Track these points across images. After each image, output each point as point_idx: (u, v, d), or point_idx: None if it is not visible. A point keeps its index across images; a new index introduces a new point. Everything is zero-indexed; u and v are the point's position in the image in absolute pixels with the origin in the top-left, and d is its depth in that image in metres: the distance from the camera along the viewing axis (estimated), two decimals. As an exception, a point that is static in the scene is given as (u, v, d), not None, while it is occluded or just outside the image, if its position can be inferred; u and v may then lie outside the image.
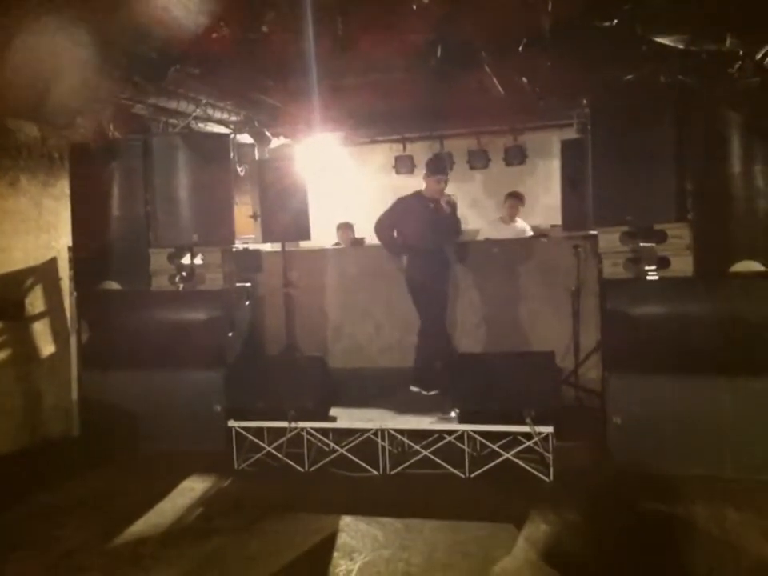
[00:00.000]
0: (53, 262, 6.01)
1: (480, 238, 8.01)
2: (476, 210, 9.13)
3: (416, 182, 9.87)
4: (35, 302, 5.84)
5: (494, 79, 6.06)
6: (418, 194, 5.91)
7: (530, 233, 7.93)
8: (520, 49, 5.31)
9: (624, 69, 5.70)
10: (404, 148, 9.85)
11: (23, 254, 5.72)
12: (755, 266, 4.70)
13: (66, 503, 4.56)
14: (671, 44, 5.18)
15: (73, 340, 5.93)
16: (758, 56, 5.17)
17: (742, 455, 4.50)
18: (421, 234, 5.77)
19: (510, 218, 7.88)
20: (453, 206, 5.82)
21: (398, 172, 9.89)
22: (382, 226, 5.93)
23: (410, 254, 5.91)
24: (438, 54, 5.24)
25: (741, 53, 5.31)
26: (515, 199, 7.93)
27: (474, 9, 4.78)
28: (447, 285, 6.04)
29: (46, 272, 5.93)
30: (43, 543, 3.99)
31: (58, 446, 5.69)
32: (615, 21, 4.97)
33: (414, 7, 4.50)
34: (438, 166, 5.91)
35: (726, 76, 5.49)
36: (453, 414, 4.84)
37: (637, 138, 4.91)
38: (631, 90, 5.82)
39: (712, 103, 4.86)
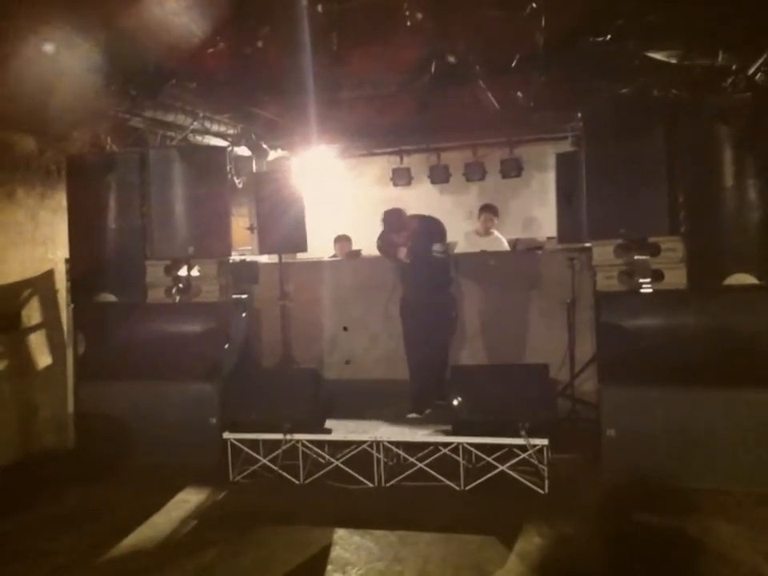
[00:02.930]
0: (49, 274, 6.04)
1: (456, 251, 8.04)
2: (472, 222, 9.13)
3: (413, 194, 10.01)
4: (31, 313, 5.87)
5: (489, 94, 6.10)
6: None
7: (506, 245, 7.93)
8: (514, 64, 5.35)
9: (617, 83, 5.75)
10: (401, 160, 9.88)
11: (19, 266, 5.75)
12: (748, 279, 4.71)
13: (60, 516, 4.56)
14: (664, 59, 5.24)
15: (69, 352, 5.95)
16: (750, 71, 5.23)
17: (736, 468, 4.51)
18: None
19: (485, 231, 7.84)
20: (427, 241, 5.47)
21: (395, 184, 9.92)
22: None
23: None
24: (433, 69, 5.28)
25: (733, 67, 5.37)
26: (489, 212, 7.87)
27: (468, 25, 4.83)
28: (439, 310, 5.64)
29: (42, 284, 5.96)
30: (35, 556, 3.98)
31: (52, 458, 5.70)
32: (608, 36, 5.03)
33: (409, 23, 4.54)
34: (387, 226, 5.56)
35: (719, 90, 5.54)
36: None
37: (630, 152, 4.93)
38: (624, 103, 5.86)
39: (705, 117, 4.88)
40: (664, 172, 4.90)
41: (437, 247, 5.49)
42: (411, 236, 5.47)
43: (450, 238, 8.79)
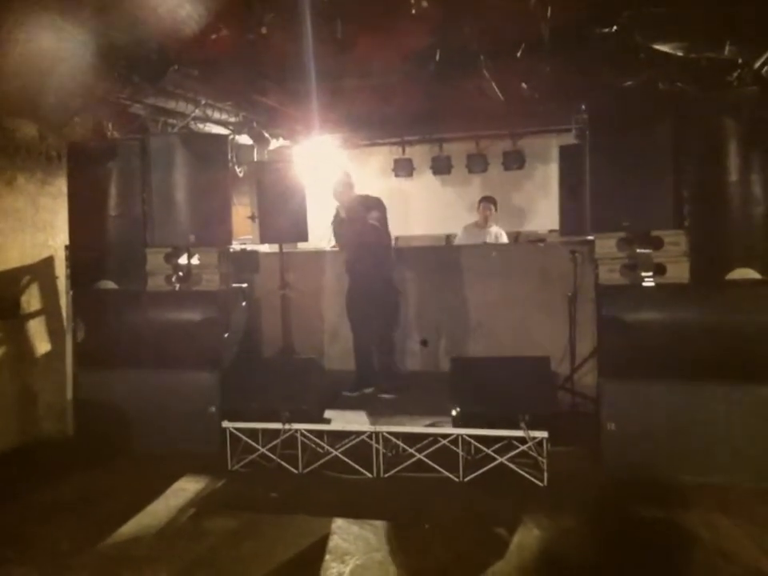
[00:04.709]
0: (49, 260, 6.02)
1: (455, 243, 8.06)
2: (474, 214, 9.12)
3: (415, 185, 9.99)
4: (31, 300, 5.85)
5: (493, 84, 6.06)
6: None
7: (505, 238, 7.94)
8: (519, 54, 5.31)
9: (623, 75, 5.71)
10: (403, 151, 9.87)
11: (19, 253, 5.73)
12: (751, 274, 4.69)
13: (59, 503, 4.55)
14: (670, 51, 5.20)
15: (68, 339, 5.93)
16: (757, 64, 5.18)
17: (736, 463, 4.50)
18: (345, 245, 6.17)
19: (485, 222, 7.86)
20: (364, 208, 5.89)
21: (396, 175, 9.91)
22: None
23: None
24: (437, 58, 5.24)
25: (739, 61, 5.33)
26: (488, 203, 7.88)
27: (474, 14, 4.79)
28: (384, 294, 6.01)
29: (42, 271, 5.94)
30: (34, 543, 3.98)
31: (51, 445, 5.70)
32: (614, 28, 4.99)
33: (414, 12, 4.50)
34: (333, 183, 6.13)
35: (725, 84, 5.50)
36: (453, 413, 4.79)
37: (635, 145, 4.89)
38: (630, 96, 5.82)
39: (710, 111, 4.85)
40: (668, 165, 4.86)
41: (373, 214, 5.87)
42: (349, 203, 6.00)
43: (452, 230, 8.86)
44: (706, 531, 3.90)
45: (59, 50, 5.09)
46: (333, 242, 6.87)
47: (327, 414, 5.13)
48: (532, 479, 4.61)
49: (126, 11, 4.78)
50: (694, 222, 4.88)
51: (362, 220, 5.81)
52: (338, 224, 6.07)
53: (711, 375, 4.59)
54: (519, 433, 4.58)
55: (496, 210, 7.94)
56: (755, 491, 4.36)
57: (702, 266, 4.84)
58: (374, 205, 5.90)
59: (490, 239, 7.66)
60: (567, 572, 3.61)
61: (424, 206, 10.10)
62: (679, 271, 4.88)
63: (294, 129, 8.49)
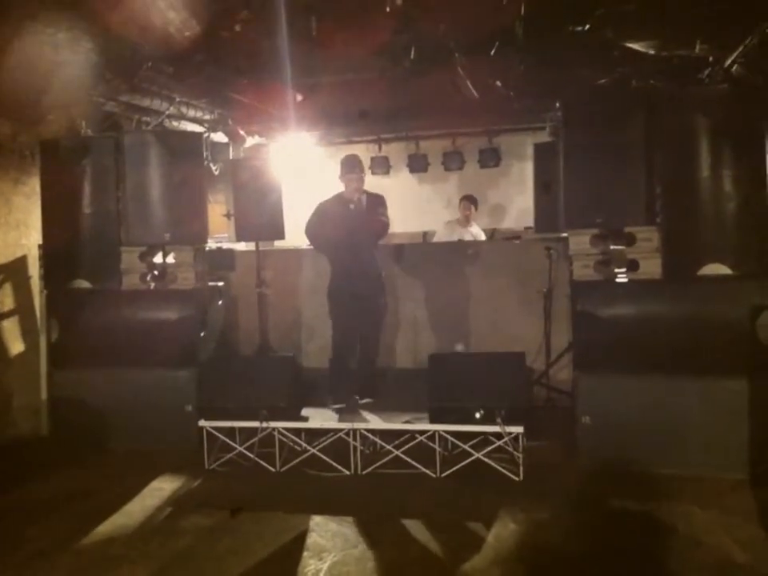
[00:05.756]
0: (22, 259, 5.96)
1: (434, 240, 8.11)
2: (450, 211, 9.16)
3: (391, 183, 9.98)
4: (4, 299, 5.80)
5: (468, 82, 6.08)
6: (338, 196, 5.67)
7: (483, 237, 8.04)
8: (493, 52, 5.34)
9: (596, 72, 5.76)
10: (380, 149, 9.85)
11: (-8, 252, 5.67)
12: (722, 269, 4.76)
13: (35, 502, 4.51)
14: (642, 49, 5.26)
15: (42, 339, 5.88)
16: (727, 62, 5.25)
17: (709, 454, 4.57)
18: (339, 238, 5.53)
19: (466, 221, 7.91)
20: (376, 204, 5.58)
21: (373, 173, 9.88)
22: (309, 233, 5.71)
23: (331, 261, 5.75)
24: (412, 54, 5.26)
25: (710, 59, 5.40)
26: (469, 202, 7.94)
27: (448, 11, 4.81)
28: (375, 294, 5.65)
29: (15, 270, 5.88)
30: (11, 543, 3.95)
31: (26, 445, 5.65)
32: (587, 26, 5.03)
33: (388, 9, 4.51)
34: (350, 165, 5.60)
35: (697, 81, 5.57)
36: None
37: (608, 142, 4.95)
38: (603, 93, 5.88)
39: (682, 108, 4.92)
40: (641, 162, 4.93)
41: (380, 210, 5.58)
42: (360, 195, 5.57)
43: (428, 227, 8.90)
44: (680, 522, 3.97)
45: (34, 49, 5.03)
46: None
47: (304, 411, 5.12)
48: (508, 474, 4.64)
49: (99, 9, 4.73)
50: (667, 218, 4.95)
51: (373, 215, 5.51)
52: (343, 216, 5.49)
53: (684, 369, 4.67)
54: (495, 428, 4.61)
55: (476, 209, 8.02)
56: (727, 482, 4.43)
57: (674, 262, 4.91)
58: (382, 201, 5.62)
59: (469, 238, 7.71)
60: (543, 564, 3.64)
61: (401, 204, 10.03)
62: (652, 267, 4.95)
63: (270, 126, 8.45)
